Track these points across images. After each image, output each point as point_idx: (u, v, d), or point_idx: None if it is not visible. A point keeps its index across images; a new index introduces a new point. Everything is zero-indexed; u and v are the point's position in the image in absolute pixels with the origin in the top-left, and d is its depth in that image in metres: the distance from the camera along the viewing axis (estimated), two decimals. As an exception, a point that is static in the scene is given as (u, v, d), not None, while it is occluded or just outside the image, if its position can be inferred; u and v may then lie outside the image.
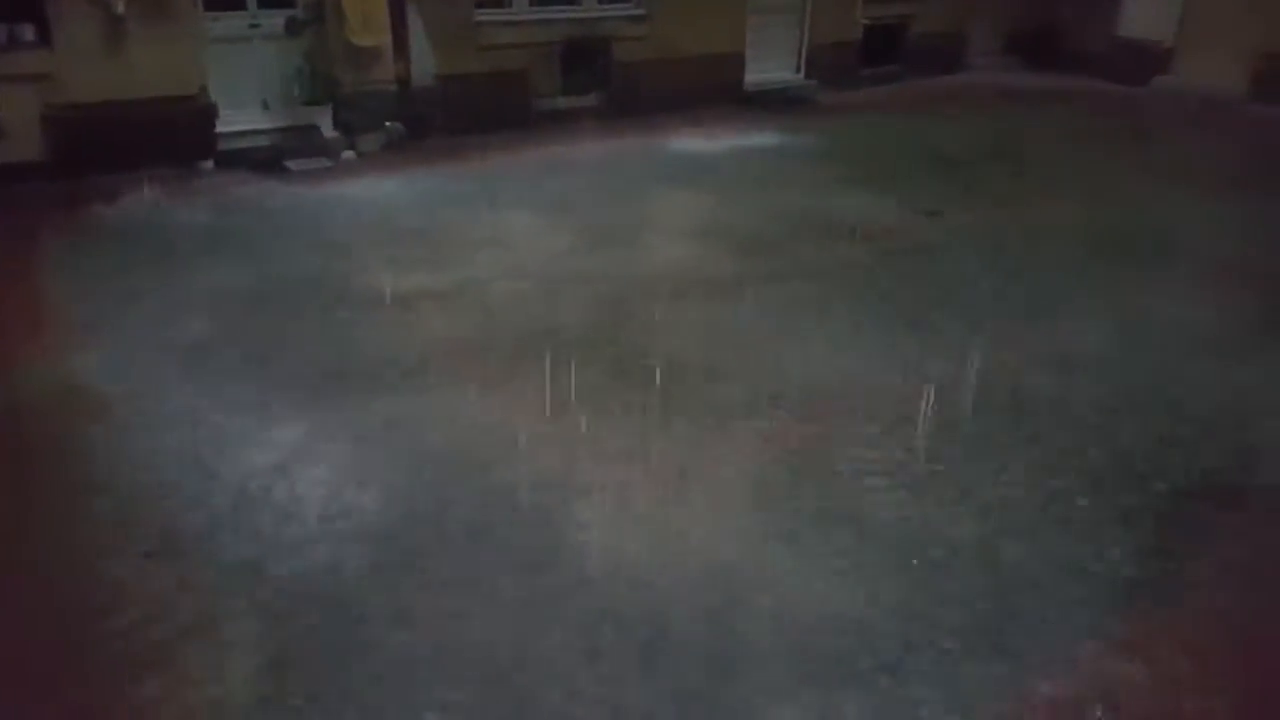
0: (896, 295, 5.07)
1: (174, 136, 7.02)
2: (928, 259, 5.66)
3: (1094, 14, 11.94)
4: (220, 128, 7.34)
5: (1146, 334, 4.64)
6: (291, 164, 7.28)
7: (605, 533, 3.00)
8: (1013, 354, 4.33)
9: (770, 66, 10.47)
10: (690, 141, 8.47)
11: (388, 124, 7.92)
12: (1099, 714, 2.34)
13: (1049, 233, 6.15)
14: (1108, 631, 2.61)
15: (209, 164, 7.22)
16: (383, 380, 4.02)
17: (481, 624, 2.61)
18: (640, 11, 9.23)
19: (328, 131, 7.70)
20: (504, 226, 6.15)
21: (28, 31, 6.52)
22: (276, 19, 7.53)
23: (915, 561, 2.88)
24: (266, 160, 7.30)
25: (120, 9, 6.56)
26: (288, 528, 3.01)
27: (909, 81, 11.35)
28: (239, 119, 7.48)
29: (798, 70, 10.78)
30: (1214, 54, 10.62)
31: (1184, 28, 11.07)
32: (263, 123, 7.64)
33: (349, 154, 7.69)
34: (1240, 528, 3.16)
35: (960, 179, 7.44)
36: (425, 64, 8.09)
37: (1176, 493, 3.29)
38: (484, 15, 8.42)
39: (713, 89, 9.72)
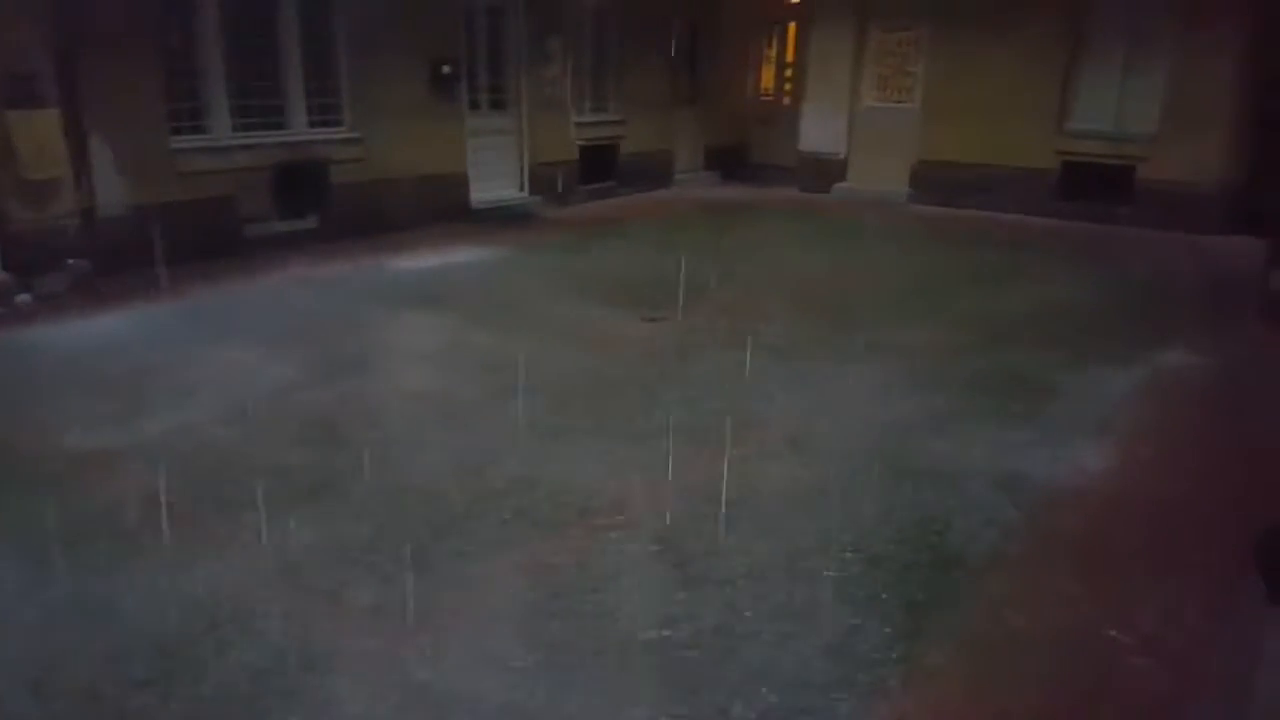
0: (636, 403, 5.18)
1: None
2: (656, 362, 5.86)
3: (780, 132, 13.44)
4: None
5: (853, 414, 5.03)
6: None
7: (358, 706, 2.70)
8: (749, 439, 4.52)
9: (494, 184, 10.70)
10: (417, 261, 8.36)
11: (70, 261, 7.13)
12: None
13: (762, 328, 6.60)
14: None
15: None
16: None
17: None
18: (355, 134, 9.11)
19: (-2, 274, 6.80)
20: (214, 364, 5.65)
21: None
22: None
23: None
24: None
25: None
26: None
27: (623, 195, 12.07)
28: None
29: (521, 187, 11.09)
30: (880, 163, 12.31)
31: (853, 142, 12.72)
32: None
33: (24, 298, 6.81)
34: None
35: (676, 283, 7.87)
36: (114, 194, 7.43)
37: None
38: (182, 141, 7.92)
39: (438, 208, 9.75)
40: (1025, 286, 8.07)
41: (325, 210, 8.86)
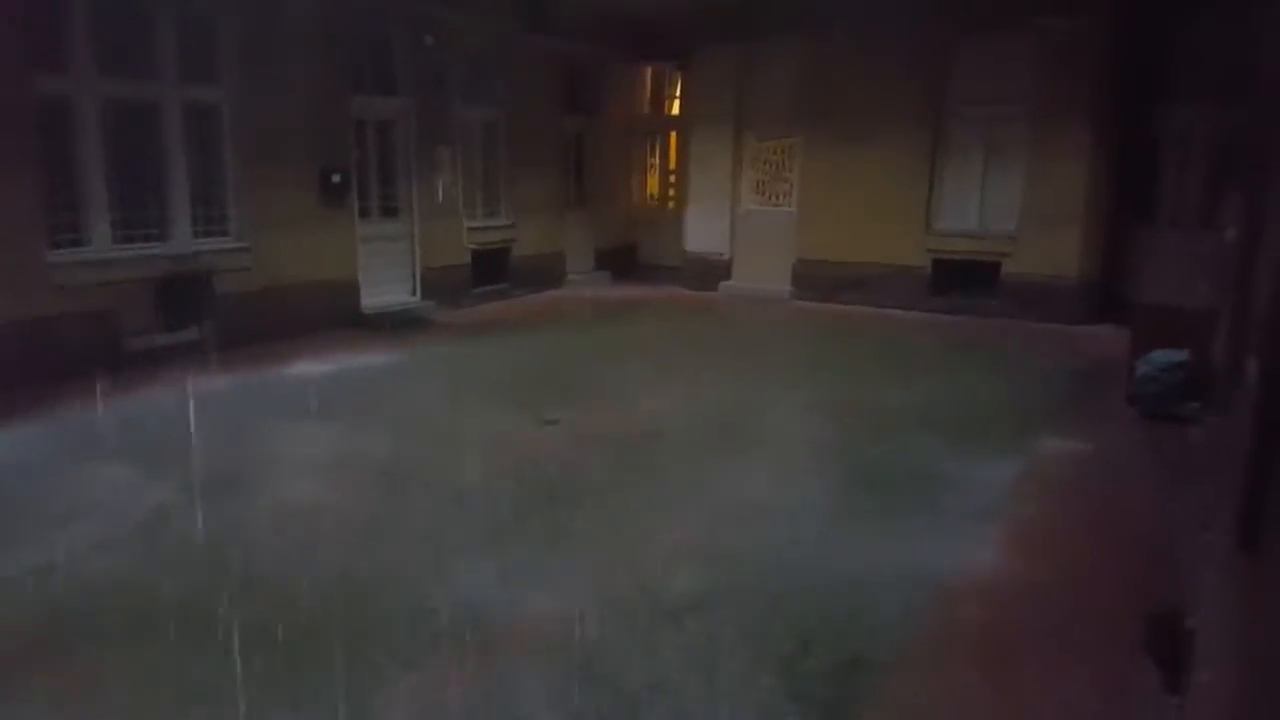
0: (536, 513, 5.15)
1: None
2: (556, 466, 5.85)
3: (666, 234, 13.92)
4: None
5: (757, 518, 5.14)
6: None
7: None
8: (647, 549, 4.55)
9: (386, 289, 10.66)
10: (307, 369, 8.18)
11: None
12: None
13: (659, 426, 6.70)
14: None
15: None
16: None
17: None
18: (242, 244, 8.97)
19: None
20: (88, 486, 5.33)
21: None
22: None
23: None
24: None
25: None
26: None
27: (516, 297, 12.18)
28: None
29: (413, 292, 11.06)
30: (762, 262, 12.86)
31: (736, 243, 13.26)
32: None
33: (-127, 421, 6.32)
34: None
35: (572, 384, 7.96)
36: (-20, 309, 7.05)
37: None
38: (60, 255, 7.62)
39: (329, 315, 9.64)
40: (907, 379, 8.47)
41: (211, 321, 8.62)
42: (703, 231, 13.46)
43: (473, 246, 11.86)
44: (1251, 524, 2.67)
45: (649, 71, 14.48)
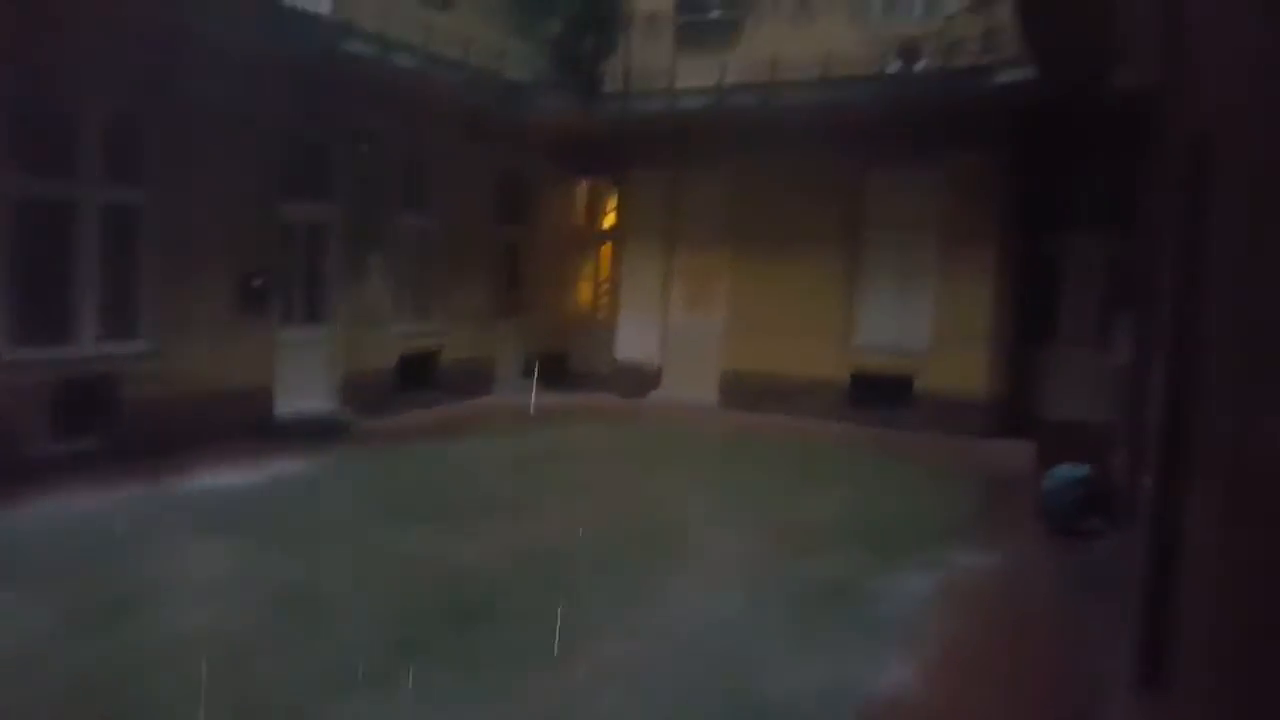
0: (447, 643, 4.92)
1: None
2: (471, 590, 5.64)
3: (598, 342, 13.99)
4: None
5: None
6: None
7: None
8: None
9: (305, 396, 10.36)
10: (214, 480, 7.79)
11: None
12: None
13: (581, 542, 6.55)
14: None
15: None
16: None
17: None
18: (150, 348, 8.66)
19: None
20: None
21: None
22: None
23: None
24: None
25: None
26: None
27: (443, 405, 11.97)
28: None
29: (334, 399, 10.79)
30: (691, 372, 12.99)
31: (666, 353, 13.39)
32: None
33: None
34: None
35: (493, 498, 7.77)
36: None
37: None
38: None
39: (241, 423, 9.26)
40: (827, 491, 8.49)
41: (114, 429, 8.23)
42: (634, 341, 13.58)
43: (399, 352, 11.72)
44: (1151, 658, 2.65)
45: (585, 186, 14.80)
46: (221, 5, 8.41)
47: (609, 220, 14.73)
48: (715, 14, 12.61)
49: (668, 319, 13.47)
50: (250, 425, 9.38)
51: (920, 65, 10.78)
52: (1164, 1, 4.87)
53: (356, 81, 10.24)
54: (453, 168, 12.26)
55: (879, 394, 11.70)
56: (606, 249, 14.66)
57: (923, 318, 11.60)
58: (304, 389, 10.34)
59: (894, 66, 10.96)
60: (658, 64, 12.59)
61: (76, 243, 8.21)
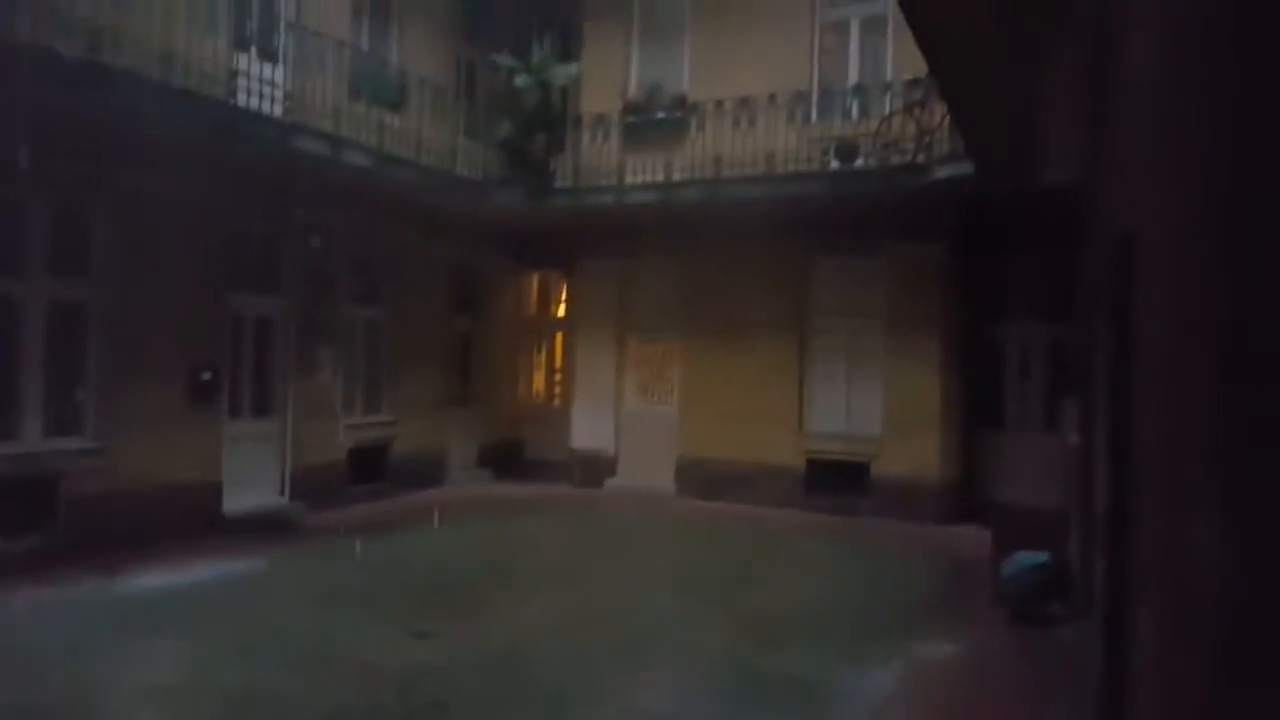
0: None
1: None
2: (426, 689, 5.50)
3: (552, 431, 13.95)
4: None
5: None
6: None
7: None
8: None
9: (253, 491, 10.14)
10: (158, 579, 7.57)
11: None
12: None
13: (539, 638, 6.44)
14: None
15: None
16: None
17: None
18: (95, 444, 8.48)
19: None
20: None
21: None
22: None
23: None
24: None
25: None
26: None
27: (395, 497, 11.78)
28: None
29: (282, 492, 10.59)
30: (647, 460, 13.02)
31: (621, 440, 13.42)
32: None
33: None
34: None
35: (447, 593, 7.63)
36: None
37: None
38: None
39: (188, 518, 9.01)
40: (787, 581, 8.50)
41: (54, 526, 7.99)
42: (588, 429, 13.59)
43: (350, 444, 11.58)
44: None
45: (536, 276, 14.98)
46: (174, 104, 8.50)
47: (561, 310, 14.89)
48: (660, 115, 13.06)
49: (622, 407, 13.53)
50: (198, 521, 9.14)
51: (858, 162, 11.24)
52: (1084, 115, 5.22)
53: (308, 178, 10.35)
54: (404, 261, 12.35)
55: (834, 480, 11.79)
56: (559, 338, 14.77)
57: (874, 404, 11.79)
58: (253, 483, 10.15)
59: (833, 164, 11.42)
60: (606, 161, 12.94)
61: (22, 340, 8.09)
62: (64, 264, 8.44)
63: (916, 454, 11.32)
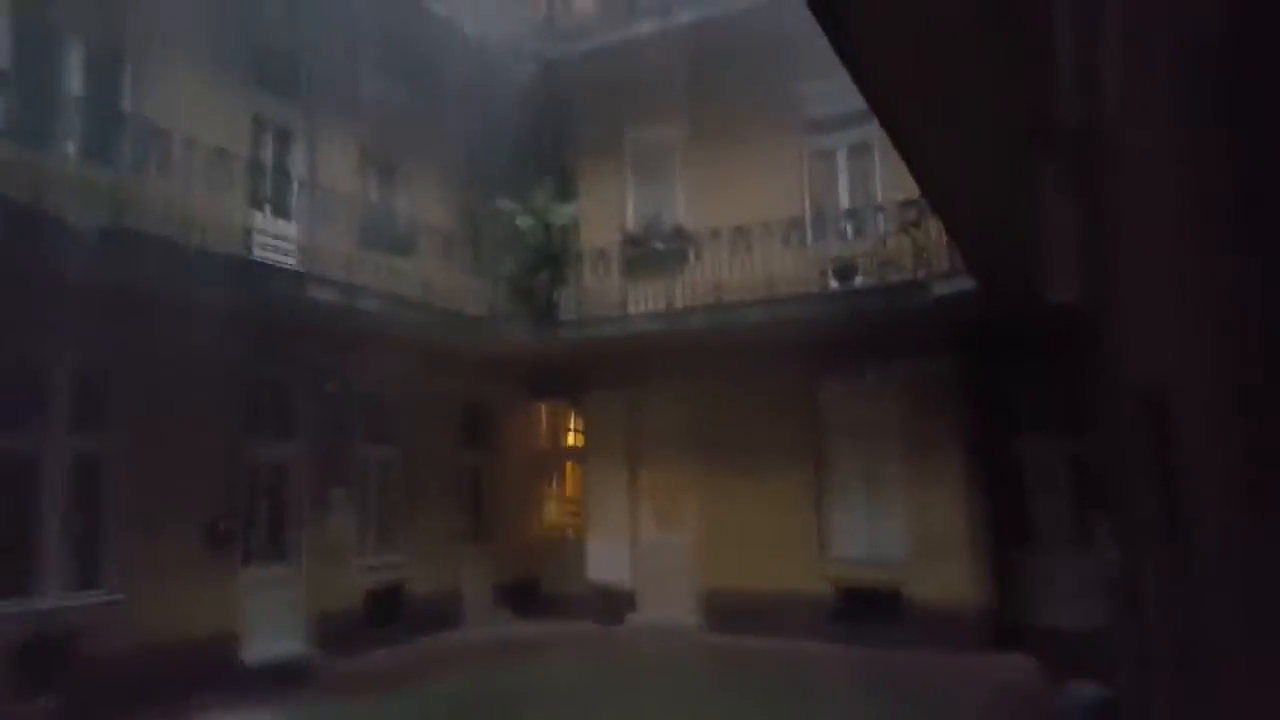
0: None
1: None
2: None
3: (568, 564, 13.73)
4: None
5: None
6: None
7: None
8: None
9: (270, 638, 9.90)
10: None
11: None
12: None
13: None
14: None
15: None
16: None
17: None
18: (115, 597, 8.37)
19: None
20: None
21: None
22: None
23: None
24: None
25: None
26: None
27: (414, 642, 11.49)
28: None
29: (301, 640, 10.35)
30: (668, 592, 12.69)
31: (640, 572, 13.14)
32: None
33: None
34: None
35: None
36: None
37: None
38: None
39: (207, 671, 8.80)
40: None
41: (74, 686, 7.79)
42: (605, 561, 13.36)
43: (366, 586, 11.40)
44: None
45: (545, 408, 15.09)
46: (193, 262, 8.77)
47: (571, 440, 14.93)
48: (659, 245, 13.48)
49: (638, 537, 13.33)
50: (218, 673, 8.92)
51: (857, 282, 11.48)
52: (1085, 239, 5.35)
53: (321, 325, 10.60)
54: (415, 399, 12.48)
55: (863, 608, 11.31)
56: (570, 469, 14.75)
57: (897, 526, 11.46)
58: (271, 632, 9.93)
59: (832, 284, 11.67)
60: (609, 292, 13.29)
61: (42, 494, 8.12)
62: (83, 418, 8.54)
63: (947, 578, 10.88)
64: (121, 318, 8.58)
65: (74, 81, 8.82)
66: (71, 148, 8.52)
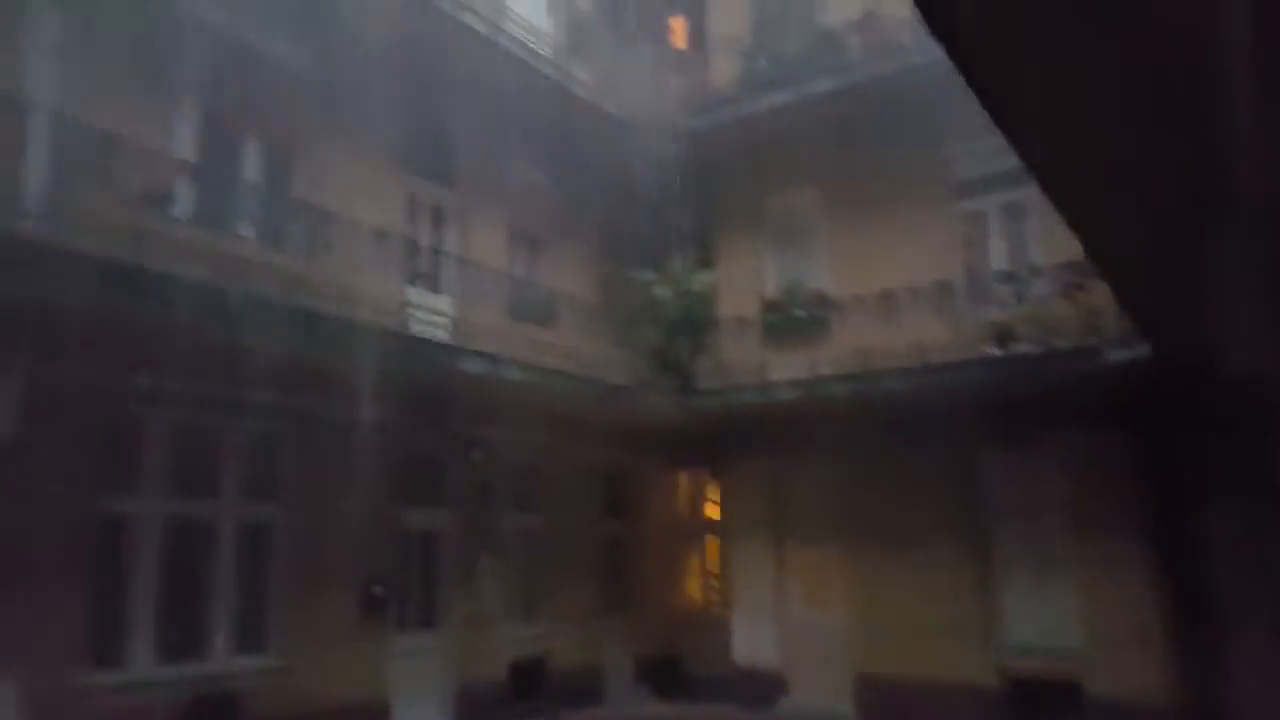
0: None
1: None
2: None
3: (713, 642, 13.23)
4: None
5: None
6: None
7: None
8: None
9: (418, 709, 9.97)
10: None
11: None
12: None
13: None
14: None
15: None
16: None
17: None
18: (278, 662, 8.66)
19: None
20: None
21: None
22: None
23: None
24: None
25: None
26: None
27: (555, 715, 11.36)
28: None
29: (447, 712, 10.39)
30: (821, 676, 12.07)
31: (789, 653, 12.55)
32: None
33: None
34: None
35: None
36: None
37: None
38: (99, 677, 7.38)
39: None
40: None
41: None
42: (751, 641, 12.85)
43: (509, 658, 11.38)
44: None
45: (685, 478, 14.91)
46: (357, 336, 9.19)
47: (711, 511, 14.65)
48: (799, 313, 13.23)
49: (786, 616, 12.76)
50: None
51: (1017, 348, 10.82)
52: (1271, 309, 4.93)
53: (470, 395, 10.89)
54: (558, 468, 12.59)
55: (1037, 701, 10.42)
56: (711, 541, 14.43)
57: (1071, 611, 10.59)
58: (418, 701, 10.03)
59: (992, 350, 11.03)
60: (748, 360, 13.10)
61: (214, 560, 8.53)
62: (254, 486, 8.99)
63: (1131, 668, 9.92)
64: (292, 389, 9.05)
65: (252, 171, 9.52)
66: (251, 231, 9.15)
